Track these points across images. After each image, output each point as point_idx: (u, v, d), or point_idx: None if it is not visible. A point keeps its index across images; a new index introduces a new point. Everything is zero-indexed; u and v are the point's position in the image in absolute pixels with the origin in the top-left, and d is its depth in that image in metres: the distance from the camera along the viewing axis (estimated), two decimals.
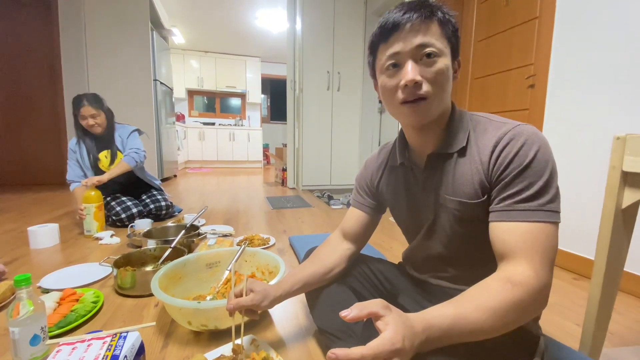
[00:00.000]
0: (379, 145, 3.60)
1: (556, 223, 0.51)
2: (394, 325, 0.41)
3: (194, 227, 1.58)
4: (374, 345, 0.40)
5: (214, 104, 6.94)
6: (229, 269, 1.06)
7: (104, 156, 1.93)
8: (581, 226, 1.34)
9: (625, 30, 1.18)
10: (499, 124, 0.58)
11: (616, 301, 0.72)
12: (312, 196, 3.22)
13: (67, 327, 0.86)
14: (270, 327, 0.92)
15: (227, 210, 2.50)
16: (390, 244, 1.71)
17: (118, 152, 1.96)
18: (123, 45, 3.44)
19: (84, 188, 1.76)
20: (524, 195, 0.52)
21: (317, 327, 0.79)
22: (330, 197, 3.08)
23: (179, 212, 2.31)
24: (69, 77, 3.36)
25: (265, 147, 6.99)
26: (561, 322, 0.98)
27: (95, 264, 1.29)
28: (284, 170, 3.87)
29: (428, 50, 0.54)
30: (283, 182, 3.93)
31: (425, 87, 0.55)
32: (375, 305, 0.44)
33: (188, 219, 1.92)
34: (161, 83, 3.90)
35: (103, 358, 0.58)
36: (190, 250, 1.38)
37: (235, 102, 7.05)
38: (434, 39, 0.54)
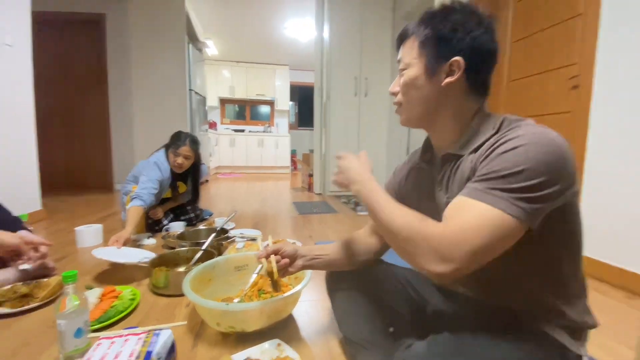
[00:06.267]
0: (408, 149, 3.53)
1: (508, 214, 0.46)
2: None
3: (223, 231, 1.63)
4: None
5: (244, 111, 7.17)
6: (256, 272, 1.08)
7: (182, 184, 2.09)
8: (634, 240, 1.22)
9: None
10: (509, 123, 0.55)
11: None
12: (338, 202, 3.21)
13: (106, 322, 0.91)
14: (296, 332, 0.92)
15: (255, 215, 2.55)
16: None
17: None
18: (162, 58, 3.67)
19: (140, 213, 1.62)
20: (479, 177, 0.50)
21: (343, 336, 0.78)
22: (357, 204, 3.05)
23: (210, 215, 2.39)
24: (114, 89, 3.63)
25: (293, 153, 7.08)
26: (612, 345, 0.89)
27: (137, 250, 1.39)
28: (311, 176, 3.89)
29: (401, 64, 0.63)
30: (309, 188, 3.95)
31: (398, 97, 0.64)
32: None
33: (218, 222, 1.98)
34: (196, 93, 4.10)
35: (138, 353, 0.61)
36: (220, 253, 1.42)
37: (264, 109, 7.24)
38: (404, 53, 0.62)
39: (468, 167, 0.56)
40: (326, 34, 3.37)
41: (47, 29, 3.32)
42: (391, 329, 0.77)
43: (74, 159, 3.71)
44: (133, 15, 3.55)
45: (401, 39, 0.63)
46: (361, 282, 0.80)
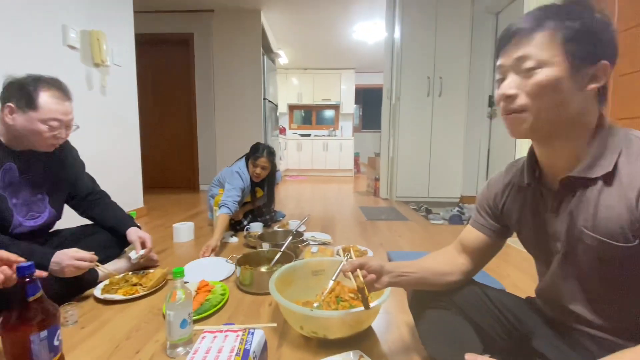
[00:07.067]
0: (488, 153, 3.23)
1: None
2: None
3: (299, 234, 1.69)
4: None
5: (311, 116, 7.39)
6: (332, 279, 1.09)
7: (260, 189, 2.24)
8: None
9: None
10: None
11: None
12: (407, 208, 3.09)
13: (203, 314, 1.01)
14: (376, 345, 0.91)
15: (323, 218, 2.60)
16: (507, 270, 1.49)
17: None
18: (240, 70, 3.99)
19: (227, 220, 1.77)
20: None
21: (429, 357, 0.74)
22: (428, 211, 2.90)
23: (283, 217, 2.51)
24: (200, 99, 4.05)
25: (356, 156, 7.06)
26: None
27: (222, 259, 1.47)
28: (377, 180, 3.82)
29: (528, 62, 0.51)
30: (375, 192, 3.88)
31: (521, 101, 0.52)
32: None
33: (292, 224, 2.06)
34: (269, 101, 4.36)
35: (238, 350, 0.66)
36: (297, 255, 1.48)
37: (329, 113, 7.36)
38: (537, 49, 0.51)
39: (622, 208, 0.48)
40: (397, 33, 3.28)
41: (146, 48, 3.84)
42: (487, 356, 0.71)
43: (166, 162, 4.23)
44: (216, 33, 3.94)
45: (522, 33, 0.52)
46: (451, 302, 0.75)
